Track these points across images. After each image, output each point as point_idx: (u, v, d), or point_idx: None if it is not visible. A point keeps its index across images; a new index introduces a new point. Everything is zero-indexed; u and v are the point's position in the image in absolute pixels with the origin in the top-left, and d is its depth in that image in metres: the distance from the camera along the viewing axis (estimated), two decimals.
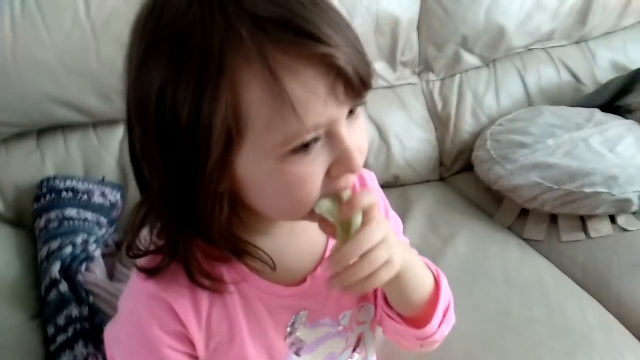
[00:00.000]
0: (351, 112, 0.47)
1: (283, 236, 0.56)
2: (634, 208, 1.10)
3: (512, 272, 1.03)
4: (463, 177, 1.35)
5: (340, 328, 0.61)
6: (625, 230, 1.10)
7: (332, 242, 0.55)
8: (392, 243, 0.51)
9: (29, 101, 0.96)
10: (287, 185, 0.46)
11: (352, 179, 0.50)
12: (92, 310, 0.79)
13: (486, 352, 0.86)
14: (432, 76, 1.38)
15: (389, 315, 0.62)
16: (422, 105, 1.36)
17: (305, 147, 0.45)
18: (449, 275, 0.99)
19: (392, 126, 1.30)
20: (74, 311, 0.78)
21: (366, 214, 0.50)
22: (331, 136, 0.46)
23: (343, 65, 0.42)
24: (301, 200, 0.48)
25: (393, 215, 0.70)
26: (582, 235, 1.11)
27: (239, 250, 0.52)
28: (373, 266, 0.49)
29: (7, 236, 0.96)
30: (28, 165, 1.02)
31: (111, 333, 0.58)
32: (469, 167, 1.34)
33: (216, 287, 0.52)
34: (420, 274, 0.60)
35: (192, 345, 0.54)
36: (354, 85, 0.44)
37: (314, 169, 0.46)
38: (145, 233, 0.53)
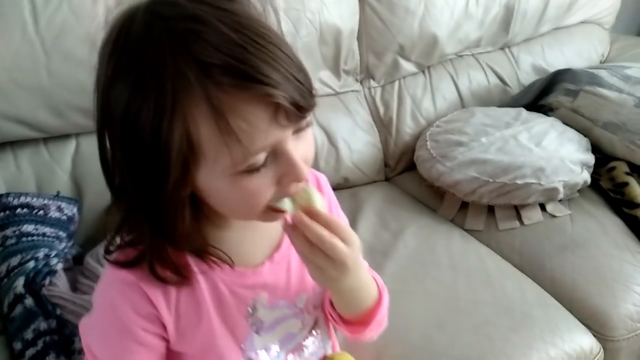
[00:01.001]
0: (299, 128, 0.53)
1: (243, 227, 0.62)
2: (560, 196, 1.21)
3: (457, 259, 1.11)
4: (407, 176, 1.44)
5: (297, 310, 0.67)
6: (553, 216, 1.22)
7: None
8: (357, 251, 0.57)
9: None
10: (240, 196, 0.53)
11: (300, 186, 0.56)
12: (60, 323, 0.80)
13: (440, 332, 0.93)
14: (373, 83, 1.46)
15: (330, 313, 0.69)
16: (365, 110, 1.44)
17: (254, 167, 0.51)
18: (401, 265, 1.09)
19: (339, 131, 1.37)
20: (42, 324, 0.79)
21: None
22: (277, 153, 0.52)
23: (281, 101, 0.48)
24: (254, 206, 0.54)
25: (342, 214, 0.76)
26: (516, 223, 1.21)
27: (201, 251, 0.58)
28: (329, 251, 0.55)
29: None
30: None
31: (85, 323, 0.62)
32: (411, 167, 1.42)
33: (182, 281, 0.58)
34: (368, 285, 0.66)
35: (163, 326, 0.59)
36: (294, 114, 0.50)
37: (263, 182, 0.52)
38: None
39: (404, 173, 1.46)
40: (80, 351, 0.76)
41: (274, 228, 0.64)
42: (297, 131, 0.53)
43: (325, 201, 0.60)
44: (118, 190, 0.55)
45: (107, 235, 0.58)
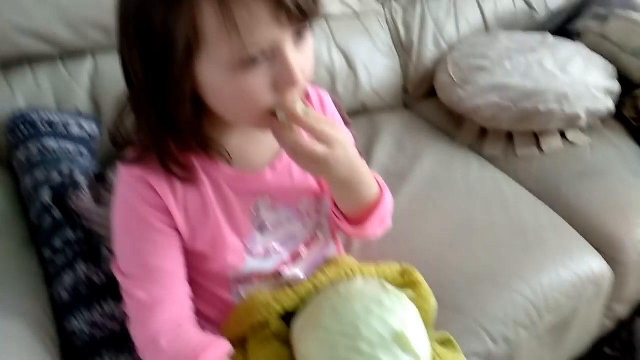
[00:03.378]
0: (300, 35, 0.56)
1: (244, 134, 0.66)
2: (582, 123, 1.20)
3: (473, 184, 1.12)
4: (426, 103, 1.42)
5: (298, 213, 0.72)
6: (573, 144, 1.21)
7: None
8: (345, 142, 0.63)
9: None
10: (238, 93, 0.56)
11: (297, 94, 0.58)
12: (87, 233, 0.82)
13: (453, 251, 0.95)
14: (394, 4, 1.41)
15: (333, 212, 0.74)
16: (386, 33, 1.40)
17: (252, 61, 0.53)
18: (417, 188, 1.10)
19: (358, 54, 1.33)
20: (69, 234, 0.81)
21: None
22: (275, 53, 0.54)
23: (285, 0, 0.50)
24: (251, 108, 0.57)
25: (345, 130, 0.77)
26: (535, 150, 1.21)
27: (203, 143, 0.62)
28: (319, 134, 0.60)
29: None
30: None
31: (113, 226, 0.66)
32: (431, 94, 1.40)
33: (187, 175, 0.62)
34: (365, 182, 0.70)
35: (172, 218, 0.64)
36: (296, 14, 0.52)
37: (259, 82, 0.55)
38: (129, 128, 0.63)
39: (423, 100, 1.44)
40: (106, 260, 0.80)
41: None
42: (298, 40, 0.56)
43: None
44: (132, 88, 0.59)
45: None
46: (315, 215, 0.74)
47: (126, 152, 0.64)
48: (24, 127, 0.96)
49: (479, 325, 0.88)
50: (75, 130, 0.99)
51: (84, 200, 0.89)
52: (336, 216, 0.74)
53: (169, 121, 0.58)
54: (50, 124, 0.98)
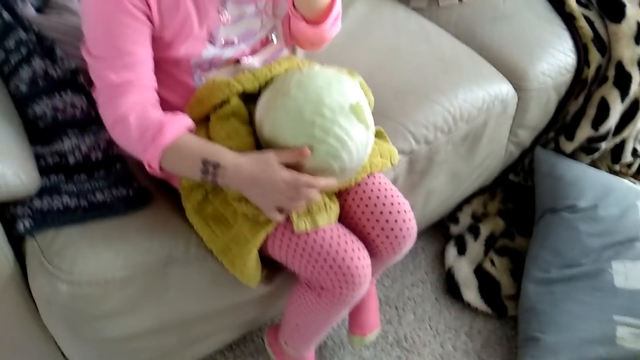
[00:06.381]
0: None
1: None
2: None
3: (400, 25, 1.23)
4: None
5: (257, 10, 0.79)
6: None
7: None
8: None
9: None
10: None
11: None
12: (39, 37, 0.86)
13: (382, 72, 1.07)
14: None
15: (294, 15, 0.81)
16: None
17: None
18: (350, 26, 1.19)
19: None
20: (22, 34, 0.84)
21: None
22: None
23: None
24: None
25: None
26: (455, 0, 1.33)
27: None
28: None
29: None
30: None
31: (84, 12, 0.70)
32: None
33: None
34: None
35: (148, 5, 0.68)
36: None
37: None
38: None
39: None
40: (63, 59, 0.84)
41: None
42: None
43: None
44: None
45: None
46: (272, 17, 0.82)
47: None
48: None
49: (404, 127, 1.01)
50: None
51: (30, 10, 0.91)
52: (297, 19, 0.81)
53: None
54: None
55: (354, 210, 0.83)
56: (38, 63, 0.82)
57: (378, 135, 0.88)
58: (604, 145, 1.36)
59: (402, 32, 1.20)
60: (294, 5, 0.80)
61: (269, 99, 0.75)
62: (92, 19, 0.70)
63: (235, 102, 0.77)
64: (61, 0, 0.95)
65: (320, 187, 0.72)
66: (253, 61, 0.82)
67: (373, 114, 0.82)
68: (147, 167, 0.73)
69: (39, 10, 0.99)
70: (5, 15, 0.86)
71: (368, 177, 0.84)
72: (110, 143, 0.79)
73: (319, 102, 0.71)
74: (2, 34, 0.85)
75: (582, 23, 1.28)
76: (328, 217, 0.78)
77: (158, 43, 0.73)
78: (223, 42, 0.77)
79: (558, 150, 1.37)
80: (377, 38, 1.17)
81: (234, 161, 0.71)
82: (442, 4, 1.33)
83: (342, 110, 0.71)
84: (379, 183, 0.84)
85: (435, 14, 1.32)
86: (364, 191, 0.83)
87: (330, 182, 0.73)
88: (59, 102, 0.80)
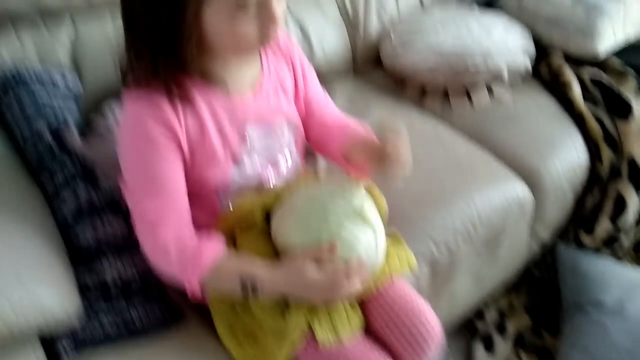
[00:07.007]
0: None
1: (232, 63, 0.81)
2: (505, 78, 1.40)
3: (415, 131, 1.28)
4: (372, 70, 1.58)
5: (276, 130, 0.87)
6: (498, 97, 1.41)
7: (267, 73, 0.85)
8: None
9: None
10: (233, 31, 0.72)
11: (274, 33, 0.74)
12: (82, 161, 0.93)
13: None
14: None
15: (339, 159, 0.91)
16: (335, 9, 1.56)
17: (246, 6, 0.70)
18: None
19: (312, 26, 1.48)
20: (66, 158, 0.92)
21: None
22: (263, 4, 0.71)
23: None
24: (242, 42, 0.74)
25: (307, 62, 0.97)
26: (467, 103, 1.40)
27: (201, 71, 0.77)
28: None
29: None
30: None
31: (121, 146, 0.78)
32: (376, 62, 1.57)
33: (184, 94, 0.76)
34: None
35: (178, 141, 0.76)
36: None
37: (249, 23, 0.72)
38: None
39: (370, 67, 1.61)
40: (104, 183, 0.91)
41: (256, 69, 0.84)
42: None
43: None
44: (133, 31, 0.73)
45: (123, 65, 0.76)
46: (288, 134, 0.89)
47: (128, 87, 0.76)
48: (14, 84, 1.05)
49: (425, 233, 1.05)
50: (62, 86, 1.09)
51: (77, 140, 0.99)
52: (343, 163, 0.90)
53: (172, 55, 0.72)
54: (40, 80, 1.07)
55: (376, 318, 0.86)
56: (81, 187, 0.89)
57: (395, 240, 0.92)
58: (624, 238, 1.37)
59: (417, 137, 1.25)
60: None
61: (280, 215, 0.82)
62: (127, 154, 0.77)
63: (259, 218, 0.83)
64: (103, 129, 1.03)
65: (355, 273, 0.76)
66: (275, 180, 0.87)
67: (392, 219, 0.87)
68: (188, 293, 0.77)
69: (82, 132, 1.08)
70: (53, 142, 0.94)
71: (388, 284, 0.86)
72: (147, 265, 0.83)
73: (324, 210, 0.77)
74: (49, 160, 0.92)
75: (592, 122, 1.34)
76: (350, 327, 0.80)
77: (186, 167, 0.79)
78: (246, 165, 0.84)
79: (579, 244, 1.38)
80: None
81: (270, 276, 0.76)
82: (454, 107, 1.40)
83: (346, 214, 0.78)
84: (400, 289, 0.87)
85: (448, 116, 1.39)
86: (385, 300, 0.86)
87: (362, 269, 0.77)
88: (100, 226, 0.86)
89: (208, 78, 0.78)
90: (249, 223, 0.82)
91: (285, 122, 0.88)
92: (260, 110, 0.84)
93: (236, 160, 0.82)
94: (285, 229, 0.79)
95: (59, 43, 1.16)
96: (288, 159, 0.90)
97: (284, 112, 0.88)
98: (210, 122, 0.79)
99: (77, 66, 1.17)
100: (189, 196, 0.80)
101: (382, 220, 0.87)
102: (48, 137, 0.96)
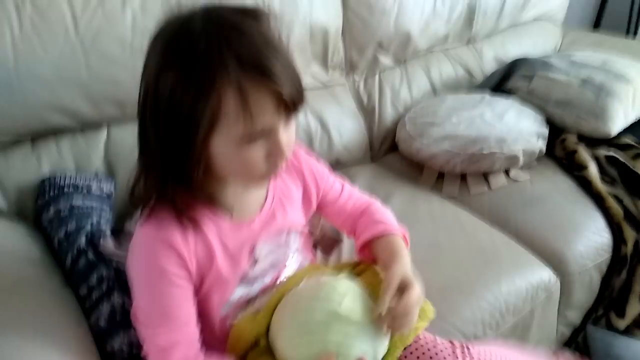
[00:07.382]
0: (289, 118, 0.73)
1: (239, 189, 0.82)
2: (520, 163, 1.43)
3: (436, 217, 1.32)
4: (390, 157, 1.64)
5: (283, 242, 0.88)
6: (516, 180, 1.44)
7: (271, 194, 0.86)
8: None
9: (28, 109, 1.12)
10: (242, 161, 0.72)
11: (282, 164, 0.75)
12: (117, 271, 0.96)
13: (424, 269, 1.10)
14: (356, 76, 1.66)
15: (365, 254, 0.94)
16: (351, 101, 1.64)
17: (254, 138, 0.70)
18: None
19: (330, 119, 1.56)
20: (104, 271, 0.95)
21: None
22: (271, 135, 0.71)
23: (285, 97, 0.68)
24: (250, 172, 0.74)
25: (316, 167, 0.97)
26: (485, 188, 1.43)
27: (208, 196, 0.78)
28: None
29: (14, 227, 1.10)
30: (26, 167, 1.16)
31: (131, 271, 0.79)
32: (393, 148, 1.63)
33: (192, 217, 0.77)
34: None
35: (188, 270, 0.77)
36: (290, 107, 0.70)
37: (258, 152, 0.72)
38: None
39: (388, 154, 1.66)
40: None
41: (261, 193, 0.86)
42: (287, 122, 0.73)
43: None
44: (147, 152, 0.75)
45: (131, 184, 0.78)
46: (294, 239, 0.91)
47: (141, 212, 0.77)
48: (52, 191, 1.11)
49: (452, 326, 1.04)
50: (96, 190, 1.15)
51: (109, 244, 1.03)
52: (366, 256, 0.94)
53: (184, 181, 0.73)
54: (75, 186, 1.13)
55: None
56: (116, 298, 0.91)
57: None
58: None
59: (439, 224, 1.28)
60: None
61: (272, 330, 0.82)
62: (140, 291, 0.77)
63: (263, 342, 0.82)
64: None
65: None
66: (279, 283, 0.88)
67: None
68: None
69: (115, 233, 1.12)
70: (90, 255, 0.97)
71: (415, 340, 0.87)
72: None
73: (305, 323, 0.77)
74: (87, 272, 0.95)
75: (611, 203, 1.35)
76: None
77: (194, 292, 0.79)
78: (252, 281, 0.85)
79: (610, 326, 1.35)
80: (416, 234, 1.23)
81: None
82: (472, 192, 1.43)
83: (333, 317, 0.76)
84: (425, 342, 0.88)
85: (467, 200, 1.41)
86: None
87: None
88: (135, 337, 0.87)
89: (215, 203, 0.79)
90: (255, 344, 0.82)
91: (292, 232, 0.90)
92: (267, 230, 0.85)
93: (245, 279, 0.83)
94: (280, 345, 0.79)
95: (95, 150, 1.23)
96: (295, 262, 0.91)
97: (290, 224, 0.89)
98: (219, 248, 0.79)
99: (110, 170, 1.23)
100: None
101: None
102: (82, 240, 1.00)
